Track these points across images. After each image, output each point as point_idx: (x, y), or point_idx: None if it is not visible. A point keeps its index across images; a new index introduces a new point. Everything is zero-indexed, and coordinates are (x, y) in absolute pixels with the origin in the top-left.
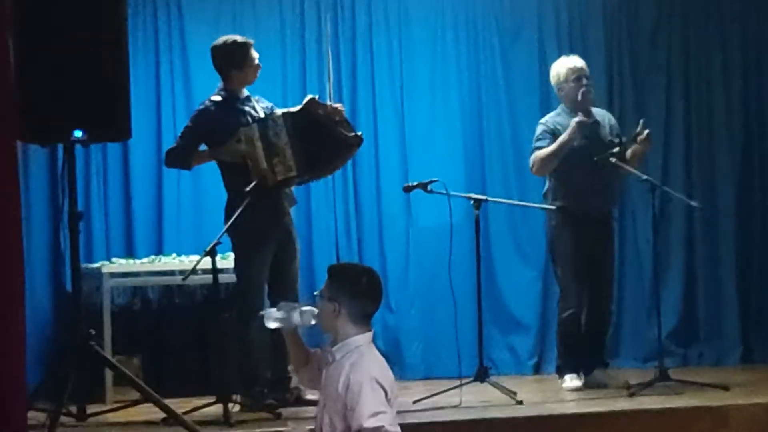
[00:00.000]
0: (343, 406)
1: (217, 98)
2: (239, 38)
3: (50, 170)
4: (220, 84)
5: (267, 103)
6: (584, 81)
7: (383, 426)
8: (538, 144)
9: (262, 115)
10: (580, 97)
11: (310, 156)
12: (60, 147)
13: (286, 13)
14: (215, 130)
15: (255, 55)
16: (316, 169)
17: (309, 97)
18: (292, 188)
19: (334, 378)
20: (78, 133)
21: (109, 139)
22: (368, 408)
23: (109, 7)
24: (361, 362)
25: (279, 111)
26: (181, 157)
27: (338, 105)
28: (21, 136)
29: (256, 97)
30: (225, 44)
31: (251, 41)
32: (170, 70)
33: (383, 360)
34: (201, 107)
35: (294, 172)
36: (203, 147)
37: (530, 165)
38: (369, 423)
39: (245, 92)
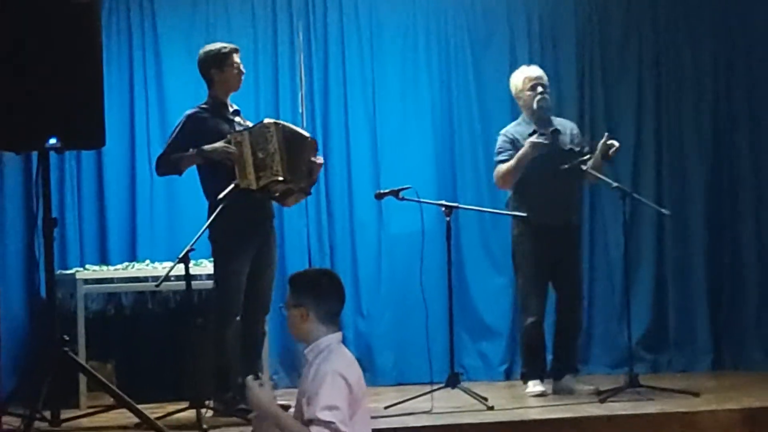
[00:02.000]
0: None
1: (206, 106)
2: (224, 44)
3: (25, 177)
4: (207, 95)
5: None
6: (540, 89)
7: (334, 422)
8: (499, 158)
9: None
10: (535, 105)
11: (294, 165)
12: (34, 154)
13: (259, 22)
14: (205, 136)
15: (237, 60)
16: (297, 175)
17: (312, 138)
18: (270, 202)
19: (307, 378)
20: (52, 141)
21: (83, 146)
22: (325, 400)
23: (83, 16)
24: (328, 358)
25: (269, 119)
26: (171, 162)
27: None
28: None
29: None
30: (209, 48)
31: (236, 47)
32: (144, 78)
33: (352, 357)
34: (190, 112)
35: (280, 177)
36: None
37: (494, 179)
38: (322, 415)
39: (234, 106)
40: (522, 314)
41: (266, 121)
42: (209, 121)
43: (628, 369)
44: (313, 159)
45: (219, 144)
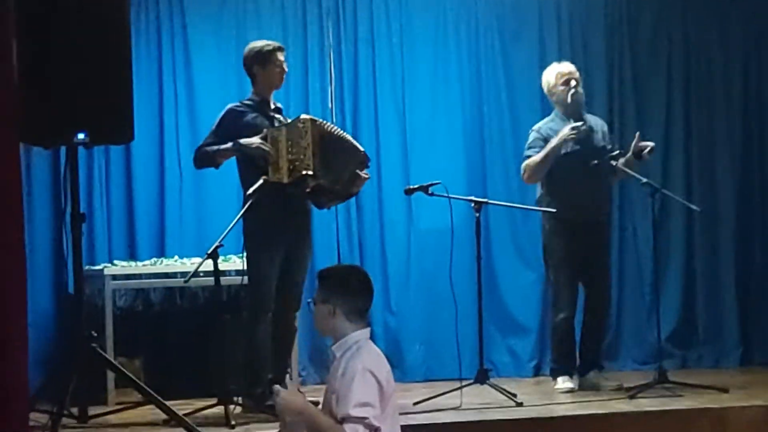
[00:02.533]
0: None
1: (248, 101)
2: (268, 42)
3: (53, 172)
4: (251, 91)
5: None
6: (573, 83)
7: (368, 417)
8: (529, 152)
9: None
10: (569, 99)
11: (328, 164)
12: (63, 149)
13: (289, 18)
14: (243, 130)
15: (281, 58)
16: (331, 178)
17: (362, 150)
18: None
19: (335, 375)
20: (81, 136)
21: (112, 141)
22: (357, 397)
23: (112, 11)
24: (357, 354)
25: (306, 116)
26: (208, 155)
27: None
28: (24, 139)
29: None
30: (253, 45)
31: (280, 45)
32: (173, 74)
33: (380, 353)
34: (231, 106)
35: (310, 171)
36: None
37: (521, 173)
38: (355, 411)
39: (276, 104)
40: (553, 310)
41: (302, 116)
42: (248, 115)
43: (657, 365)
44: (358, 171)
45: (255, 139)
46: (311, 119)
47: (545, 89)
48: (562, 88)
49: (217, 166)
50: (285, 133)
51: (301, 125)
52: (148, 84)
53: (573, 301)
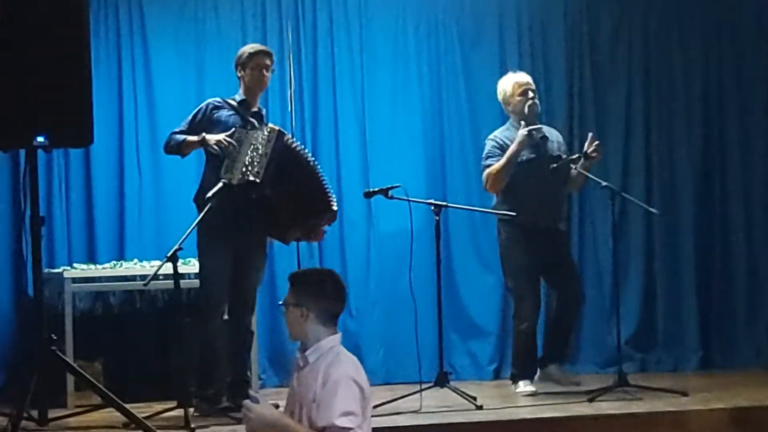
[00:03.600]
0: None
1: (231, 100)
2: (255, 45)
3: (12, 175)
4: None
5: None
6: (530, 95)
7: (353, 428)
8: (488, 162)
9: None
10: (527, 110)
11: (282, 178)
12: (22, 152)
13: (248, 19)
14: (215, 125)
15: (262, 61)
16: (280, 191)
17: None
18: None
19: (309, 382)
20: (40, 139)
21: (71, 144)
22: (341, 406)
23: (72, 14)
24: (338, 362)
25: (275, 126)
26: (176, 142)
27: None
28: None
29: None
30: (241, 48)
31: (264, 49)
32: (132, 76)
33: (357, 361)
34: (209, 100)
35: (258, 179)
36: None
37: (483, 182)
38: (340, 421)
39: (261, 110)
40: (515, 319)
41: (271, 126)
42: (223, 112)
43: (617, 368)
44: (318, 223)
45: (220, 135)
46: (279, 131)
47: (500, 98)
48: (519, 98)
49: (183, 155)
50: (251, 138)
51: (267, 133)
52: (107, 87)
53: (535, 309)
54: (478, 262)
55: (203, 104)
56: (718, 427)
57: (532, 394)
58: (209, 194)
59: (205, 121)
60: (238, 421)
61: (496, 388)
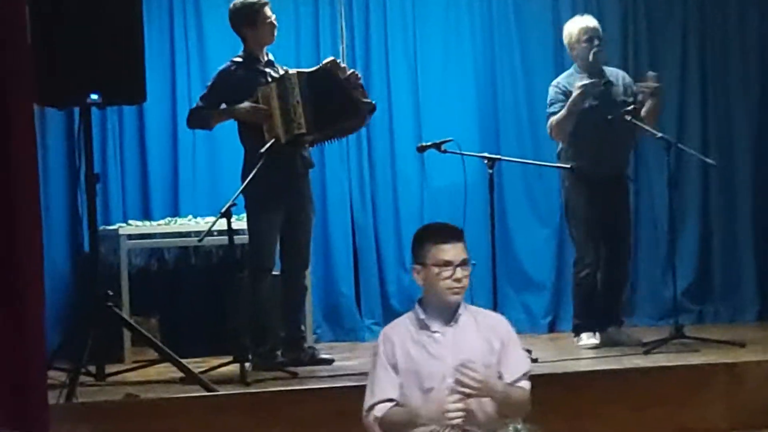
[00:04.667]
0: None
1: (238, 59)
2: None
3: (67, 133)
4: (242, 48)
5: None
6: (596, 42)
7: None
8: (552, 109)
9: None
10: (591, 58)
11: (322, 115)
12: (76, 110)
13: None
14: (236, 90)
15: (269, 13)
16: (326, 128)
17: (331, 58)
18: (309, 150)
19: (473, 338)
20: (94, 97)
21: (125, 102)
22: (522, 353)
23: None
24: (482, 312)
25: (293, 70)
26: (201, 117)
27: (354, 71)
28: (38, 100)
29: (281, 66)
30: (239, 4)
31: (265, 1)
32: (184, 33)
33: None
34: (222, 67)
35: (303, 130)
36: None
37: (548, 130)
38: (527, 366)
39: (269, 56)
40: (576, 266)
41: (290, 71)
42: (240, 74)
43: (673, 320)
44: (348, 75)
45: (247, 104)
46: (297, 73)
47: (566, 42)
48: (584, 45)
49: (210, 128)
50: (275, 90)
51: (288, 82)
52: (159, 44)
53: (596, 257)
54: (532, 216)
55: (216, 74)
56: None
57: (595, 347)
58: (261, 150)
59: (223, 89)
60: (294, 376)
61: (551, 341)
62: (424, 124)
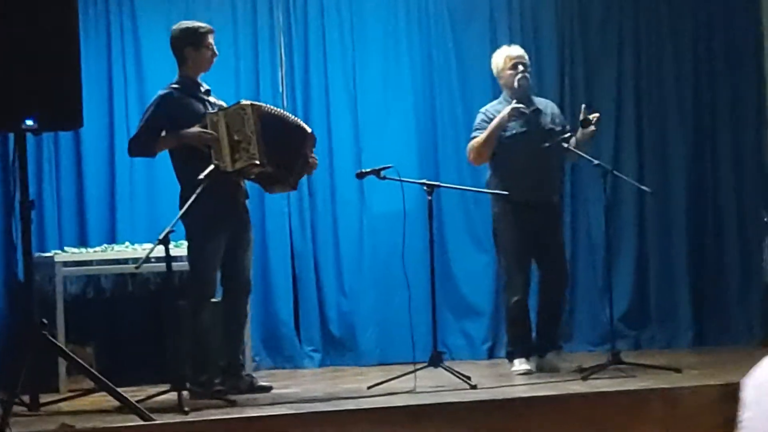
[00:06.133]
0: None
1: (177, 86)
2: (199, 23)
3: (2, 159)
4: (177, 74)
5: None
6: (520, 68)
7: None
8: (475, 134)
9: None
10: (516, 84)
11: (274, 150)
12: (11, 136)
13: (238, 3)
14: (177, 116)
15: (212, 39)
16: (278, 163)
17: (308, 130)
18: (244, 182)
19: None
20: (29, 122)
21: (61, 127)
22: None
23: None
24: None
25: (247, 101)
26: (144, 144)
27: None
28: None
29: (216, 97)
30: (183, 26)
31: (211, 28)
32: (122, 58)
33: None
34: (163, 92)
35: (256, 161)
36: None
37: (467, 153)
38: None
39: (205, 86)
40: (506, 293)
41: (243, 102)
42: (183, 101)
43: (610, 346)
44: (308, 153)
45: (195, 129)
46: (251, 104)
47: (494, 72)
48: (510, 72)
49: (153, 155)
50: (224, 117)
51: (241, 111)
52: (97, 69)
53: (525, 283)
54: (471, 242)
55: (156, 99)
56: (711, 403)
57: (528, 373)
58: (201, 176)
59: (167, 115)
60: (232, 404)
61: (490, 368)
62: (363, 151)
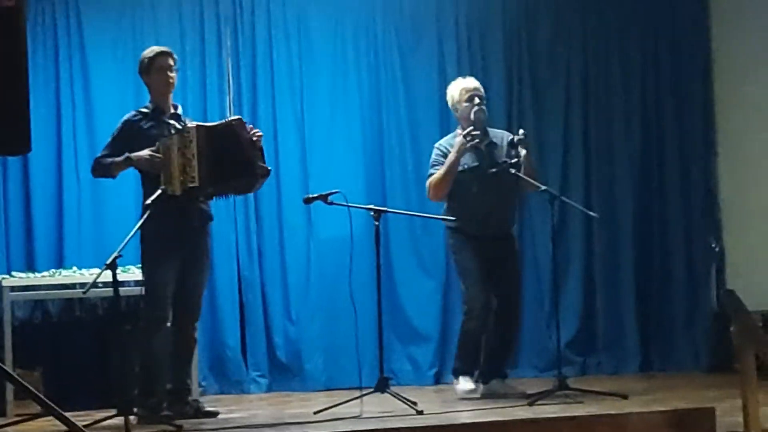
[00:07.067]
0: None
1: (144, 110)
2: (154, 48)
3: None
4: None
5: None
6: (477, 101)
7: None
8: (432, 170)
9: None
10: (473, 116)
11: (216, 171)
12: None
13: (186, 26)
14: (139, 140)
15: (164, 62)
16: (218, 184)
17: (237, 117)
18: (208, 204)
19: None
20: None
21: (8, 152)
22: None
23: (7, 20)
24: None
25: (193, 123)
26: (104, 166)
27: (259, 132)
28: None
29: (189, 118)
30: (142, 54)
31: (163, 50)
32: (70, 83)
33: None
34: (126, 117)
35: (196, 183)
36: None
37: (426, 191)
38: None
39: (177, 109)
40: (465, 316)
41: (189, 124)
42: (143, 125)
43: (557, 372)
44: (249, 138)
45: (145, 152)
46: (196, 126)
47: (450, 104)
48: (465, 104)
49: (113, 177)
50: (176, 142)
51: (187, 134)
52: (45, 94)
53: (484, 310)
54: (418, 268)
55: (120, 123)
56: (657, 429)
57: (471, 392)
58: (148, 201)
59: (127, 139)
60: (178, 429)
61: (436, 393)
62: (310, 176)
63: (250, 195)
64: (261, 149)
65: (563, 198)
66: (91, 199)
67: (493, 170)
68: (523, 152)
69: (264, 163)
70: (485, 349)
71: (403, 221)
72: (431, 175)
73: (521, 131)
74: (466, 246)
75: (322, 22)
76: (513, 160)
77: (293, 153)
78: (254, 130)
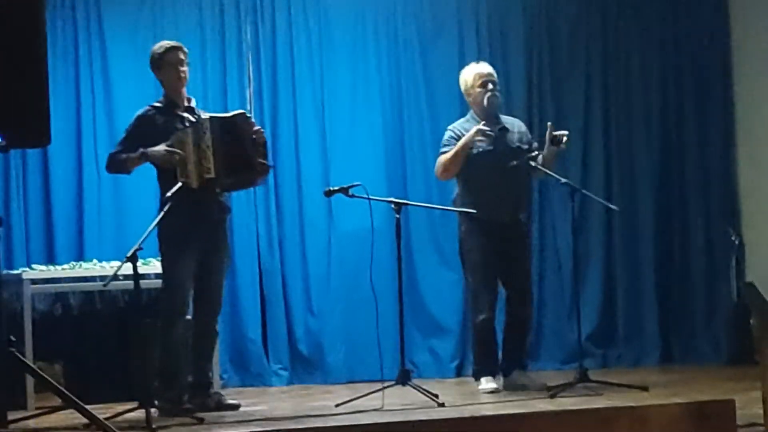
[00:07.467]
0: None
1: (158, 104)
2: (164, 43)
3: None
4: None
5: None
6: (490, 86)
7: None
8: (443, 150)
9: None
10: (485, 102)
11: (229, 162)
12: None
13: (206, 18)
14: (153, 135)
15: (174, 57)
16: (231, 176)
17: (240, 111)
18: (225, 196)
19: None
20: None
21: (28, 144)
22: None
23: (28, 14)
24: None
25: (206, 115)
26: (119, 161)
27: (260, 129)
28: None
29: (202, 111)
30: (151, 50)
31: (173, 45)
32: (90, 76)
33: None
34: (140, 112)
35: (212, 174)
36: None
37: (435, 170)
38: None
39: (191, 102)
40: (473, 311)
41: (203, 116)
42: (157, 119)
43: (577, 364)
44: (251, 135)
45: (161, 147)
46: (209, 118)
47: (462, 89)
48: (479, 90)
49: (128, 172)
50: (191, 135)
51: (200, 126)
52: (64, 86)
53: (492, 301)
54: (438, 260)
55: (134, 119)
56: (678, 421)
57: (495, 391)
58: (168, 194)
59: (141, 134)
60: (200, 422)
61: (457, 386)
62: (331, 169)
63: (271, 188)
64: (264, 145)
65: (583, 190)
66: (111, 192)
67: (514, 163)
68: (554, 149)
69: (266, 159)
70: (503, 344)
71: (424, 214)
72: (441, 154)
73: (566, 132)
74: (476, 233)
75: (343, 15)
76: (533, 153)
77: (314, 146)
78: (257, 128)
